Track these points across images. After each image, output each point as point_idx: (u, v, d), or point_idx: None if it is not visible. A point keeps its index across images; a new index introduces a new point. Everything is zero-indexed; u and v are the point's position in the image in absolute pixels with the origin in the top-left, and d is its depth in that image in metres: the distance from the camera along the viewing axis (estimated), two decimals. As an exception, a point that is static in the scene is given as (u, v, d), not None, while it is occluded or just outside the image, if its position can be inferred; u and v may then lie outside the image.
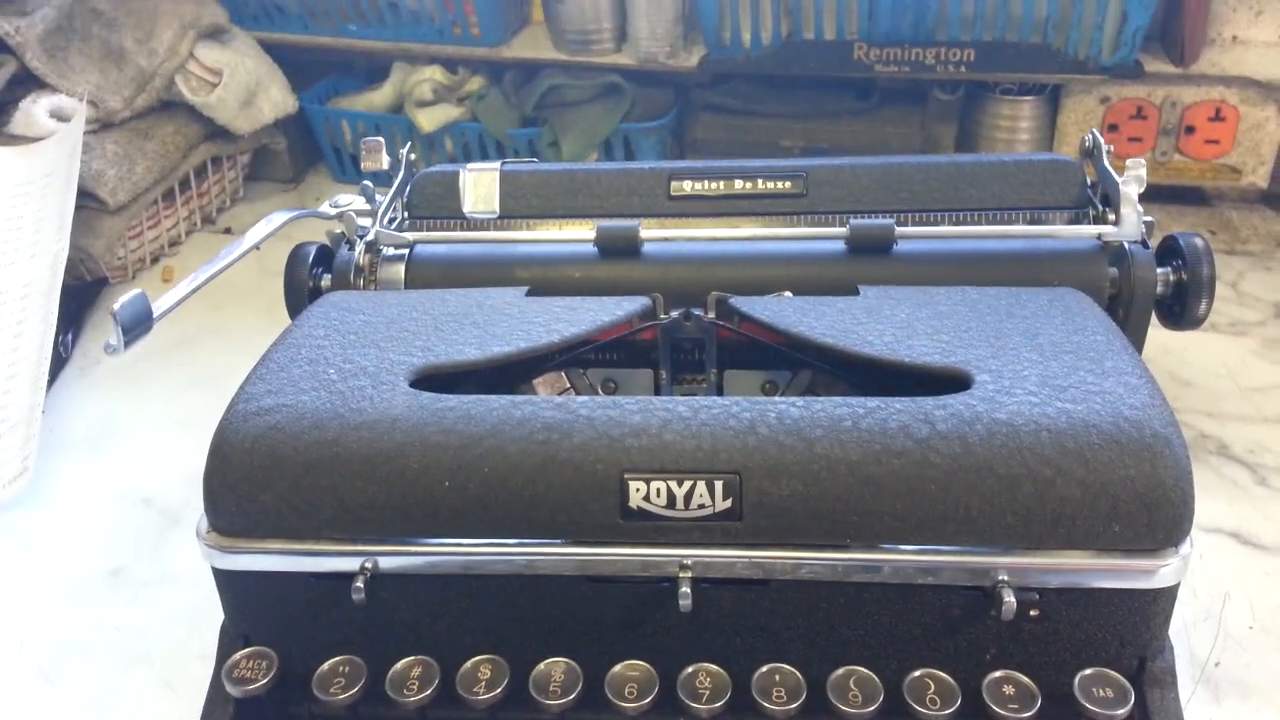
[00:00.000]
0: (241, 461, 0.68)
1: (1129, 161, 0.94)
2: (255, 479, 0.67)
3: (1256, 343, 1.28)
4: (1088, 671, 0.66)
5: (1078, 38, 1.45)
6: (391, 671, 0.69)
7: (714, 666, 0.68)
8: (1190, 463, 0.65)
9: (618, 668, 0.68)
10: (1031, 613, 0.66)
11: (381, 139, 1.04)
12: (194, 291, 0.89)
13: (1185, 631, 0.88)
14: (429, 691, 0.68)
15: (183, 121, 1.56)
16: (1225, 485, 1.05)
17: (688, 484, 0.64)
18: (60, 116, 1.42)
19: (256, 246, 0.98)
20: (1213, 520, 1.00)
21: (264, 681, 0.69)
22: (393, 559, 0.67)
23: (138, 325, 0.81)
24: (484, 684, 0.68)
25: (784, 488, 0.64)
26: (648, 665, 0.68)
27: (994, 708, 0.65)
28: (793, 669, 0.68)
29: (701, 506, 0.64)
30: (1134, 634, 0.67)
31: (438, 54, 1.67)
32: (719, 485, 0.64)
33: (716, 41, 1.56)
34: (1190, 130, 1.51)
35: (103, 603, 0.97)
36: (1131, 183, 0.93)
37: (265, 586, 0.71)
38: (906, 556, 0.64)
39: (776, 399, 0.69)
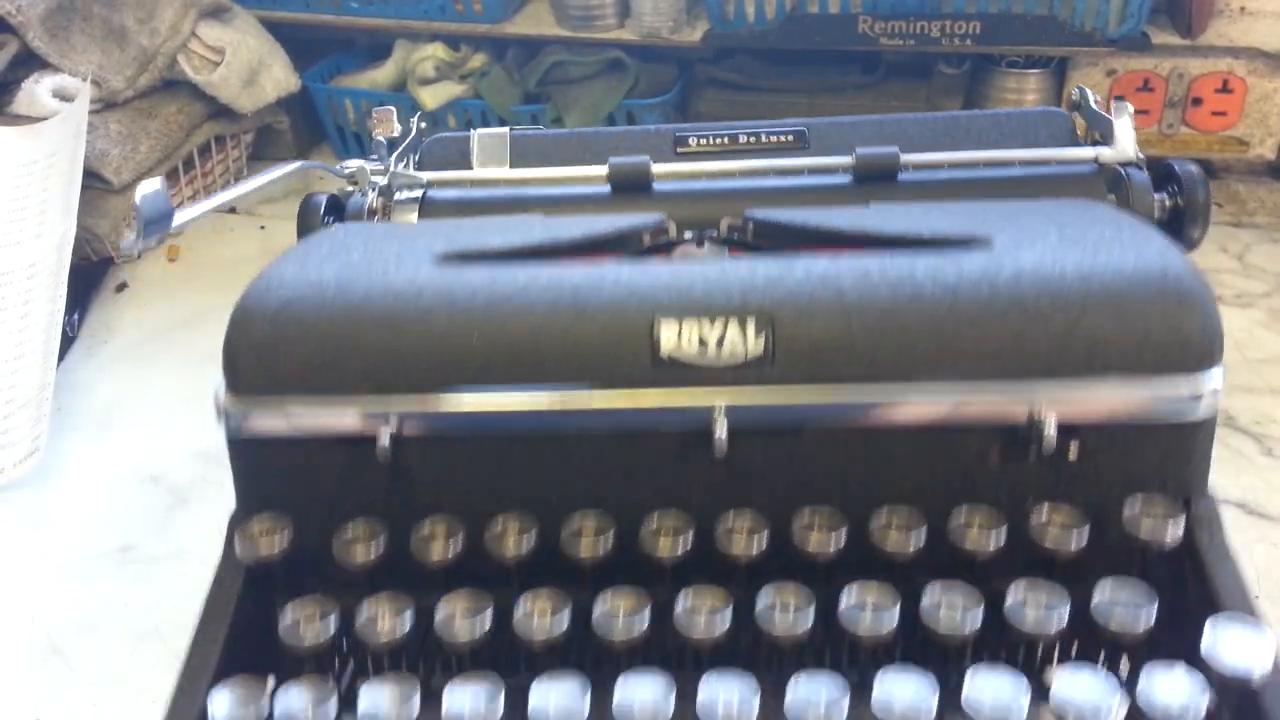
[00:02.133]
0: (265, 324, 0.66)
1: (1114, 103, 0.95)
2: (279, 337, 0.66)
3: (1263, 314, 1.27)
4: (1137, 498, 0.66)
5: (1084, 9, 1.44)
6: (415, 532, 0.66)
7: (751, 512, 0.67)
8: (1215, 300, 0.65)
9: (652, 518, 0.67)
10: (1070, 453, 0.66)
11: (392, 107, 1.04)
12: (212, 209, 0.87)
13: (1191, 601, 0.89)
14: (455, 551, 0.65)
15: (185, 100, 1.56)
16: (1231, 456, 1.05)
17: (719, 327, 0.64)
18: (63, 96, 1.42)
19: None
20: (1219, 491, 1.00)
21: (278, 551, 0.66)
22: (419, 415, 0.66)
23: (159, 219, 0.78)
24: (513, 541, 0.65)
25: (816, 330, 0.64)
26: (684, 514, 0.67)
27: (1040, 538, 0.64)
28: (832, 511, 0.66)
29: (734, 351, 0.64)
30: (1175, 472, 0.67)
31: (440, 31, 1.67)
32: (751, 327, 0.64)
33: (720, 16, 1.55)
34: (1197, 102, 1.50)
35: (112, 579, 0.98)
36: (1123, 112, 0.94)
37: (285, 453, 0.68)
38: (941, 394, 0.65)
39: (802, 255, 0.69)
